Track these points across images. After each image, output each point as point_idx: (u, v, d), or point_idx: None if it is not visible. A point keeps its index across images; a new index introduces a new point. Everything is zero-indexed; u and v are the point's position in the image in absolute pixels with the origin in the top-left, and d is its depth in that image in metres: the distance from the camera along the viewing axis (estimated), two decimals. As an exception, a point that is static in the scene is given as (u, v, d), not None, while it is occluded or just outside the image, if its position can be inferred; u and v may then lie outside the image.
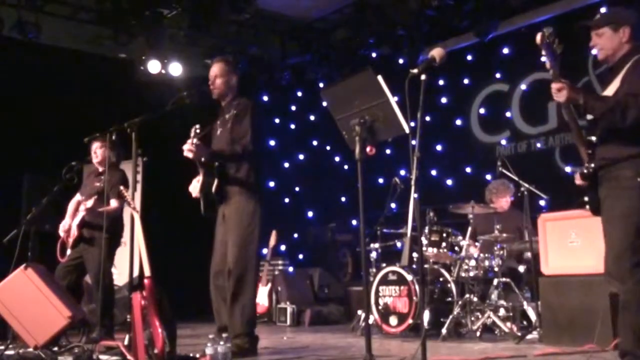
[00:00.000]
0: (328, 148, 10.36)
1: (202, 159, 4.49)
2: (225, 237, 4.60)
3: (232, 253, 4.50)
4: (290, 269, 9.20)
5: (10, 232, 5.35)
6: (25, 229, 5.30)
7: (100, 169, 5.74)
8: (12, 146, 7.92)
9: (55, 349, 4.45)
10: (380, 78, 3.53)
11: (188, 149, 4.37)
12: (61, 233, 5.65)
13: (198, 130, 4.38)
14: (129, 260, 4.19)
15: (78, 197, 5.84)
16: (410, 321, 5.76)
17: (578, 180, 3.41)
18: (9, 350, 4.37)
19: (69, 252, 5.59)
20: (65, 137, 6.35)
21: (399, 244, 6.80)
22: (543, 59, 3.32)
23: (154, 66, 8.54)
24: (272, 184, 10.48)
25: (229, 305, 4.48)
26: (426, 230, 6.08)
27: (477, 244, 6.22)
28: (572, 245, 5.04)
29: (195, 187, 4.59)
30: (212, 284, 4.66)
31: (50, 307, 4.45)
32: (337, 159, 10.23)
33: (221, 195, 4.56)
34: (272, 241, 8.41)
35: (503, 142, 8.43)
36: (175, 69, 8.72)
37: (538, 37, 3.23)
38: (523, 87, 8.27)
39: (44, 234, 6.02)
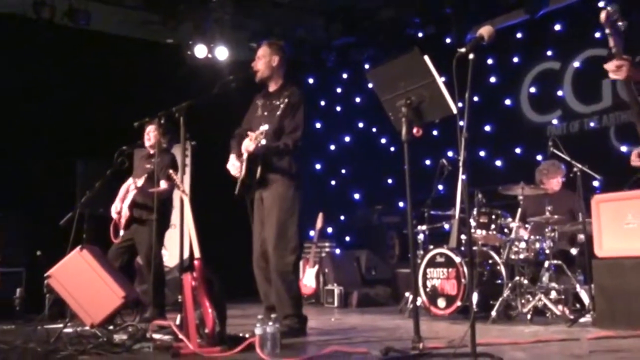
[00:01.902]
0: (374, 130, 10.29)
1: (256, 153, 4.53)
2: (264, 220, 4.64)
3: (271, 236, 4.53)
4: (338, 251, 9.22)
5: (65, 216, 5.52)
6: (79, 212, 5.46)
7: (152, 152, 5.86)
8: (65, 133, 8.13)
9: (111, 327, 4.57)
10: (427, 58, 3.48)
11: (250, 146, 4.39)
12: (113, 215, 5.80)
13: (266, 129, 4.39)
14: (179, 242, 4.26)
15: (130, 181, 5.97)
16: (458, 303, 5.72)
17: (634, 161, 3.31)
18: (68, 329, 4.52)
19: (121, 233, 5.74)
20: (116, 123, 6.49)
21: (446, 226, 6.74)
22: (608, 37, 3.20)
23: (200, 51, 8.62)
24: (318, 166, 10.49)
25: (274, 288, 4.54)
26: (474, 212, 6.00)
27: (527, 226, 6.11)
28: (629, 227, 4.89)
29: (234, 167, 4.62)
30: (255, 266, 4.70)
31: (105, 287, 4.57)
32: (383, 140, 10.16)
33: (261, 181, 4.60)
34: (319, 223, 8.44)
35: (554, 121, 8.22)
36: (222, 53, 8.78)
37: (602, 15, 3.11)
38: (576, 64, 8.04)
39: (98, 217, 6.19)
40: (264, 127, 4.39)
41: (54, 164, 7.86)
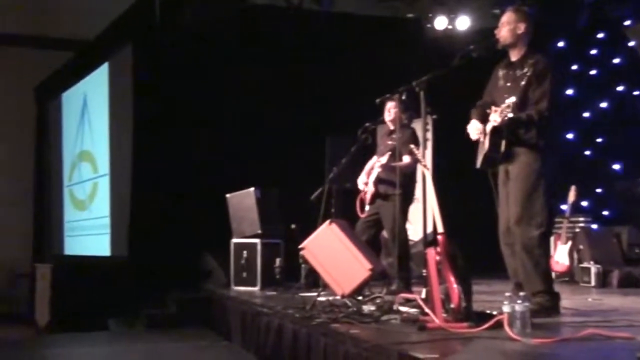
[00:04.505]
0: (636, 93, 9.25)
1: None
2: (509, 195, 4.43)
3: (515, 210, 4.33)
4: (594, 226, 8.55)
5: (316, 191, 5.87)
6: (328, 187, 5.76)
7: (392, 127, 5.94)
8: (315, 111, 8.63)
9: (360, 298, 4.76)
10: (702, 3, 2.99)
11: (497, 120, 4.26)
12: (360, 186, 6.02)
13: (513, 101, 4.22)
14: (422, 216, 4.27)
15: (375, 159, 6.13)
16: None
17: None
18: (321, 297, 4.81)
19: (367, 208, 5.93)
20: (361, 100, 6.70)
21: None
22: None
23: (440, 22, 8.51)
24: (570, 136, 9.78)
25: (520, 264, 4.34)
26: None
27: None
28: None
29: (475, 130, 4.46)
30: (502, 242, 4.54)
31: (353, 259, 4.76)
32: (647, 104, 9.10)
33: (506, 155, 4.38)
34: (572, 197, 7.89)
35: None
36: (463, 22, 8.57)
37: None
38: None
39: (345, 192, 6.47)
40: (511, 100, 4.21)
41: (307, 142, 8.38)
